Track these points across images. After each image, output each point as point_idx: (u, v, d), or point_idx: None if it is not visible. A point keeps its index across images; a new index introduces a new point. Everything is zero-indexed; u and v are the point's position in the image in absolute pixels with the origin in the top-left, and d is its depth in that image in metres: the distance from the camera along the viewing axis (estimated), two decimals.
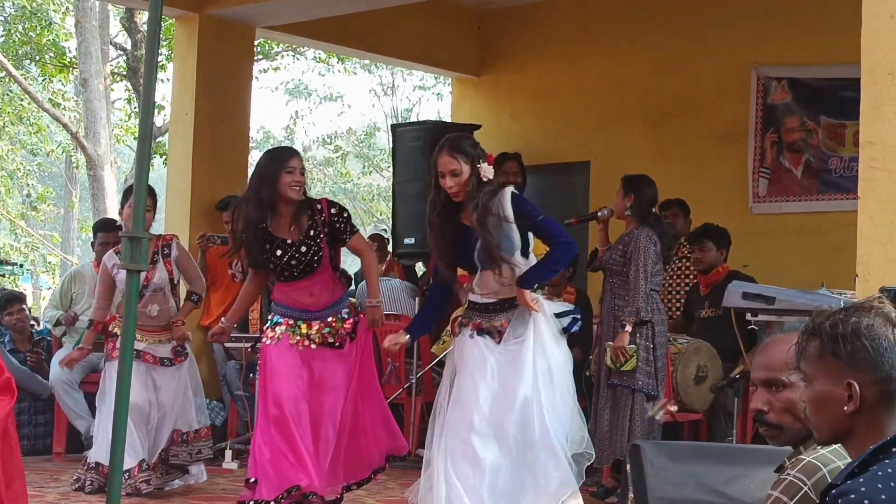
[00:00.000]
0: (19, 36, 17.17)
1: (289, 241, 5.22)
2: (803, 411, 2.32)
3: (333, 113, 27.07)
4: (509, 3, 9.85)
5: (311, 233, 5.23)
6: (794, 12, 8.34)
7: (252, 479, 5.11)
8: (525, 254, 4.83)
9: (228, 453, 7.29)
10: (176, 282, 6.46)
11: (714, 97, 8.71)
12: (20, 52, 17.32)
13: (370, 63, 19.02)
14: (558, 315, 4.84)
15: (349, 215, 5.39)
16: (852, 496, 1.91)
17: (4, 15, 18.04)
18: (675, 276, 7.42)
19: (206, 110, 8.47)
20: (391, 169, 10.41)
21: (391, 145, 9.88)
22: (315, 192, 21.84)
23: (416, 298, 7.82)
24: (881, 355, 2.10)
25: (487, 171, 4.82)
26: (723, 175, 8.62)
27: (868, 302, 2.17)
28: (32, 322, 8.27)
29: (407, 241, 8.63)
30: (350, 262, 9.13)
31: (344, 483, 5.34)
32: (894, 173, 4.29)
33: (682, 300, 7.34)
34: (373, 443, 5.32)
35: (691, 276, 7.36)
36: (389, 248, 9.32)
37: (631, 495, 3.49)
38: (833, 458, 2.46)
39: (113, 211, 13.99)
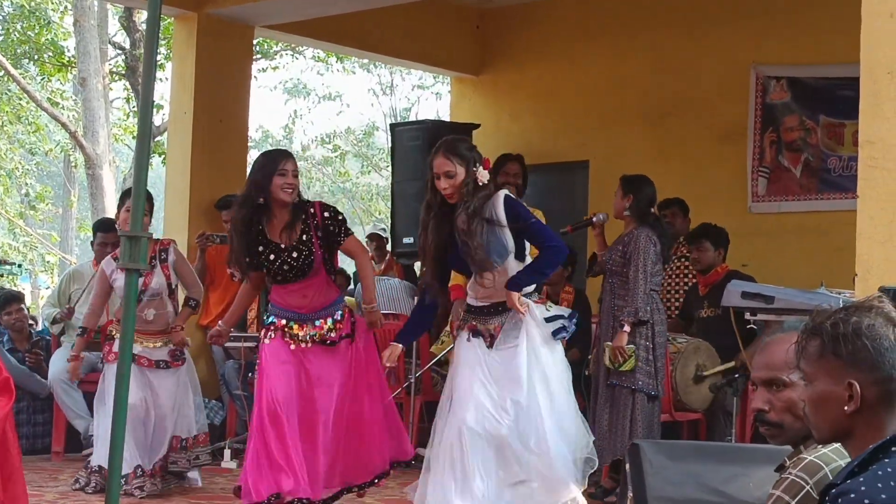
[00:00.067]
0: (18, 35, 17.17)
1: (282, 246, 5.23)
2: (803, 410, 2.32)
3: (332, 112, 27.12)
4: (508, 3, 9.85)
5: (304, 237, 5.23)
6: (794, 11, 8.33)
7: (237, 486, 5.14)
8: (520, 257, 4.83)
9: (227, 452, 7.29)
10: (174, 286, 6.46)
11: (713, 96, 8.71)
12: (19, 51, 17.32)
13: (369, 62, 19.01)
14: (547, 320, 4.83)
15: (343, 218, 5.39)
16: (852, 495, 1.90)
17: (3, 14, 18.04)
18: (673, 276, 7.42)
19: (205, 109, 8.47)
20: (390, 168, 10.40)
21: (390, 144, 9.88)
22: (314, 191, 21.85)
23: (415, 298, 7.82)
24: (882, 355, 2.10)
25: (483, 175, 4.82)
26: (722, 174, 8.62)
27: (868, 301, 2.17)
28: (31, 322, 8.26)
29: (406, 240, 8.63)
30: (350, 262, 9.11)
31: (342, 485, 5.32)
32: (894, 172, 4.29)
33: (681, 300, 7.33)
34: (375, 446, 5.30)
35: (690, 276, 7.36)
36: (388, 247, 9.32)
37: (630, 494, 3.49)
38: (835, 457, 2.46)
39: (112, 210, 13.99)
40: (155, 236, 6.39)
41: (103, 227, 7.74)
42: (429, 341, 7.50)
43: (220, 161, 8.47)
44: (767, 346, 2.69)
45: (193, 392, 6.49)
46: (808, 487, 2.45)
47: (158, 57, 13.69)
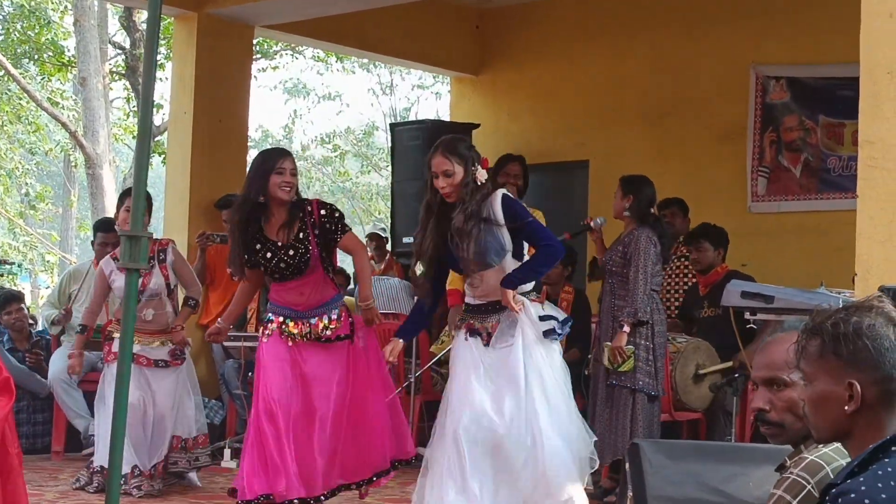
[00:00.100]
0: (18, 35, 17.17)
1: (278, 244, 5.25)
2: (803, 410, 2.33)
3: (332, 112, 27.14)
4: (508, 2, 9.85)
5: (301, 235, 5.25)
6: (793, 11, 8.34)
7: (232, 488, 5.18)
8: (518, 256, 4.84)
9: (227, 452, 7.29)
10: (172, 287, 6.46)
11: (713, 96, 8.71)
12: (19, 50, 17.33)
13: (369, 62, 19.01)
14: (541, 318, 4.84)
15: (341, 215, 5.40)
16: (852, 495, 1.91)
17: (3, 14, 18.04)
18: (673, 276, 7.41)
19: (205, 109, 8.47)
20: (390, 168, 10.41)
21: (390, 144, 9.88)
22: (314, 191, 21.84)
23: (415, 297, 7.81)
24: (882, 355, 2.10)
25: (481, 174, 4.83)
26: (721, 174, 8.63)
27: (868, 301, 2.17)
28: (31, 321, 8.26)
29: (406, 239, 8.64)
30: (350, 262, 9.11)
31: (341, 481, 5.33)
32: (893, 172, 4.29)
33: (681, 299, 7.33)
34: (377, 443, 5.31)
35: (690, 276, 7.36)
36: (388, 247, 9.32)
37: (630, 494, 3.49)
38: (836, 456, 2.47)
39: (112, 210, 13.98)
40: (154, 236, 6.39)
41: (104, 226, 7.74)
42: (428, 341, 7.50)
43: (220, 161, 8.47)
44: (768, 345, 2.69)
45: (193, 392, 6.49)
46: (809, 487, 2.46)
47: (158, 57, 13.68)
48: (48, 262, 20.37)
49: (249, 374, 7.09)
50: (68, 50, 17.47)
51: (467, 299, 4.96)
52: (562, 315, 4.95)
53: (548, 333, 4.80)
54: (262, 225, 5.29)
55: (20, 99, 18.14)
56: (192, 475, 6.47)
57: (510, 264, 4.79)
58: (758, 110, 8.56)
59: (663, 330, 6.08)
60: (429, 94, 21.75)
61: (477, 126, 8.88)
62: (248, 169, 6.20)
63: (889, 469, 1.94)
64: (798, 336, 2.23)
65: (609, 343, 5.95)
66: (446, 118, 11.72)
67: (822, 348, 2.15)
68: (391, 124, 11.45)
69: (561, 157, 9.46)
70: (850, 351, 2.11)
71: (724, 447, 4.20)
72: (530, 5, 9.78)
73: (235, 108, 8.78)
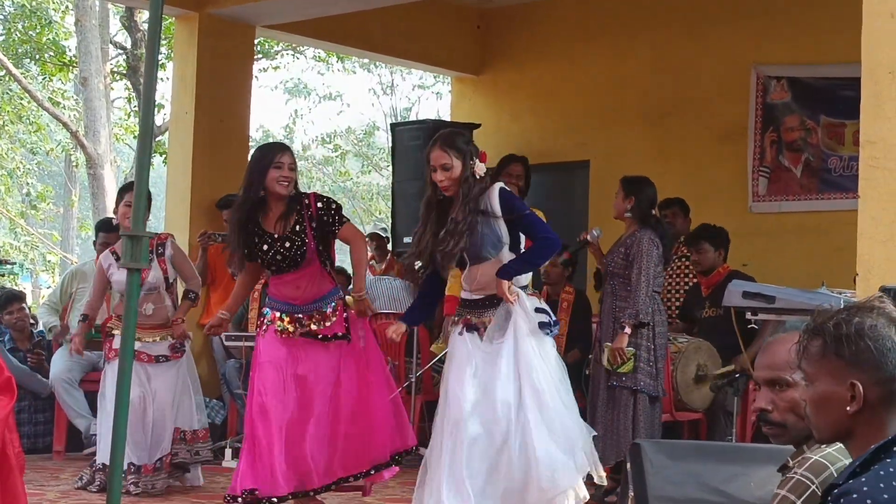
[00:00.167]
0: (19, 34, 17.17)
1: (275, 236, 5.28)
2: (804, 410, 2.33)
3: (333, 112, 27.10)
4: (509, 2, 9.85)
5: (297, 228, 5.28)
6: (794, 11, 8.34)
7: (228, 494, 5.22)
8: (515, 249, 4.85)
9: (228, 452, 7.30)
10: (171, 281, 6.47)
11: (713, 96, 8.71)
12: (20, 50, 17.33)
13: (369, 62, 19.02)
14: (537, 310, 4.84)
15: (338, 206, 5.42)
16: (854, 496, 1.91)
17: (4, 13, 18.05)
18: (674, 276, 7.41)
19: (206, 109, 8.47)
20: (390, 168, 10.41)
21: (391, 144, 9.88)
22: (314, 190, 21.83)
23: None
24: (884, 356, 2.10)
25: (480, 168, 4.85)
26: (722, 174, 8.62)
27: (869, 302, 2.17)
28: (32, 321, 8.27)
29: (406, 239, 8.63)
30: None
31: (341, 474, 5.33)
32: (895, 172, 4.29)
33: (681, 299, 7.33)
34: (377, 436, 5.32)
35: (690, 276, 7.36)
36: (389, 246, 9.32)
37: (631, 494, 3.49)
38: (840, 456, 2.47)
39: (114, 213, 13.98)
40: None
41: (105, 226, 7.75)
42: (429, 340, 7.50)
43: (221, 160, 8.47)
44: (770, 345, 2.69)
45: (194, 390, 6.49)
46: (813, 487, 2.46)
47: (159, 57, 13.68)
48: (49, 261, 20.36)
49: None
50: (69, 50, 17.47)
51: (463, 294, 4.96)
52: (552, 319, 4.96)
53: (543, 325, 4.80)
54: (260, 219, 5.31)
55: (21, 99, 18.14)
56: (196, 471, 6.46)
57: (507, 257, 4.81)
58: (759, 110, 8.56)
59: (664, 331, 6.08)
60: (430, 94, 21.80)
61: (478, 126, 8.87)
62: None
63: (891, 469, 1.94)
64: (799, 336, 2.23)
65: (609, 344, 5.95)
66: (447, 118, 11.72)
67: (824, 349, 2.15)
68: (392, 124, 11.45)
69: (562, 158, 9.46)
70: (852, 352, 2.11)
71: (725, 447, 4.20)
72: (531, 5, 9.78)
73: (236, 107, 8.78)
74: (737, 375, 5.51)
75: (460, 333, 4.88)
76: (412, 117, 20.82)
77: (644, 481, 3.42)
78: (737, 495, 3.29)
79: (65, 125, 16.66)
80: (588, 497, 4.79)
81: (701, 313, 7.03)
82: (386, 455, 5.32)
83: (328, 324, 5.32)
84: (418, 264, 5.08)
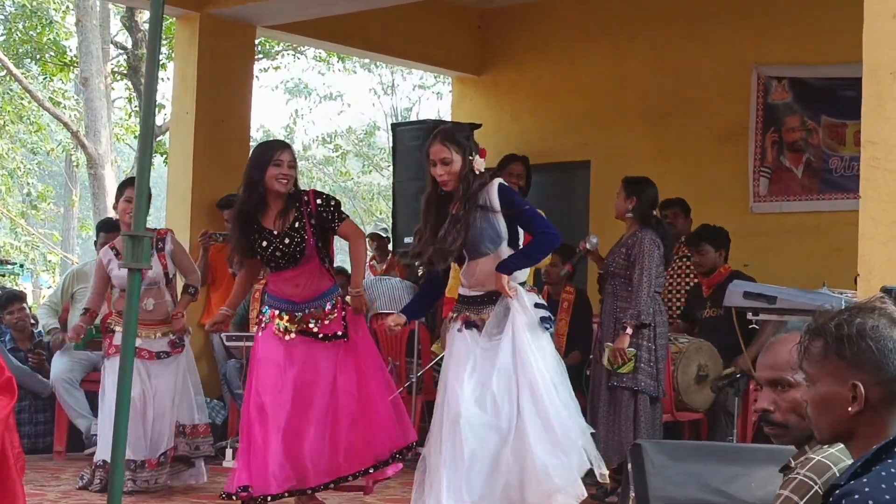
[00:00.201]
0: (20, 34, 17.18)
1: (274, 232, 5.30)
2: (806, 410, 2.33)
3: (333, 112, 27.06)
4: (509, 3, 9.85)
5: (297, 224, 5.29)
6: (794, 11, 8.33)
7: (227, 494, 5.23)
8: (513, 244, 4.85)
9: (229, 452, 7.29)
10: (171, 276, 6.48)
11: (714, 96, 8.71)
12: (21, 50, 17.33)
13: (370, 62, 19.02)
14: (536, 306, 4.84)
15: (337, 203, 5.44)
16: (856, 496, 1.91)
17: (5, 14, 18.05)
18: (675, 276, 7.41)
19: (207, 109, 8.47)
20: (391, 168, 10.40)
21: (391, 144, 9.88)
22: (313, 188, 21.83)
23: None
24: (886, 356, 2.10)
25: (479, 163, 4.85)
26: (722, 174, 8.62)
27: (871, 302, 2.17)
28: (33, 321, 8.27)
29: (407, 239, 8.62)
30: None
31: (346, 471, 5.33)
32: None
33: (683, 299, 7.33)
34: (378, 433, 5.32)
35: (691, 276, 7.35)
36: (390, 247, 9.31)
37: (632, 494, 3.49)
38: (843, 457, 2.47)
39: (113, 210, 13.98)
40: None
41: (106, 226, 7.76)
42: (430, 340, 7.50)
43: (222, 161, 8.47)
44: (772, 346, 2.69)
45: (193, 385, 6.49)
46: (816, 487, 2.46)
47: (160, 57, 13.68)
48: (50, 261, 20.36)
49: None
50: (70, 50, 17.47)
51: (461, 291, 4.96)
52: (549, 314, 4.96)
53: (544, 319, 4.80)
54: (259, 216, 5.32)
55: (22, 99, 18.14)
56: (200, 466, 6.45)
57: (505, 253, 4.81)
58: (760, 110, 8.56)
59: (665, 331, 6.08)
60: (430, 94, 21.79)
61: (478, 126, 8.87)
62: None
63: (892, 470, 1.94)
64: (801, 337, 2.23)
65: (610, 344, 5.95)
66: (448, 118, 11.72)
67: (826, 350, 2.15)
68: (393, 124, 11.45)
69: (562, 158, 9.46)
70: (853, 352, 2.11)
71: (725, 448, 4.20)
72: (532, 5, 9.78)
73: (237, 108, 8.78)
74: (737, 376, 5.51)
75: (459, 330, 4.87)
76: (413, 117, 20.83)
77: (645, 482, 3.42)
78: (738, 496, 3.29)
79: (65, 125, 16.67)
80: (586, 495, 4.76)
81: (702, 313, 7.03)
82: (387, 452, 5.32)
83: (327, 322, 5.32)
84: (418, 265, 5.10)
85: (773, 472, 2.70)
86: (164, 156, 13.77)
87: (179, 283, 6.68)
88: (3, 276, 13.12)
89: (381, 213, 21.83)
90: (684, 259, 7.37)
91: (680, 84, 8.90)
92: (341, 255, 8.94)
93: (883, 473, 1.94)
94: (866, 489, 1.91)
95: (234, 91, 8.71)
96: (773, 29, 8.46)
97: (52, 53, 17.20)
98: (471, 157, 4.84)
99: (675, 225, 7.34)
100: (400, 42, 9.74)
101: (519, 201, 4.90)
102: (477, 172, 4.84)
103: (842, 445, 2.40)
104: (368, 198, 22.93)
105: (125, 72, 16.69)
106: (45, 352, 7.94)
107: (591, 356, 6.50)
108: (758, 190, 8.54)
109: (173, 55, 10.58)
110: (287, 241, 5.27)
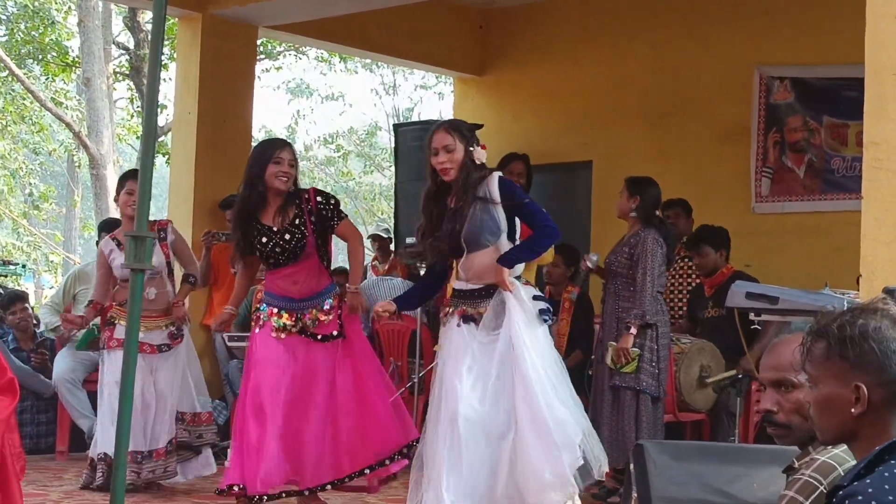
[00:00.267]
0: (22, 35, 17.19)
1: (274, 229, 5.32)
2: (809, 411, 2.33)
3: (335, 112, 27.12)
4: (511, 3, 9.86)
5: (297, 221, 5.32)
6: (794, 11, 8.33)
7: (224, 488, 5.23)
8: (512, 238, 4.85)
9: (230, 452, 7.28)
10: (173, 266, 6.48)
11: (714, 96, 8.70)
12: (23, 51, 17.34)
13: (372, 62, 19.02)
14: (535, 298, 4.84)
15: (337, 202, 5.46)
16: (859, 497, 1.91)
17: (7, 14, 18.05)
18: (676, 276, 7.41)
19: (209, 109, 8.48)
20: (393, 168, 10.40)
21: (393, 144, 9.88)
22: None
23: None
24: (888, 358, 2.10)
25: (480, 154, 4.86)
26: (724, 175, 8.62)
27: (873, 303, 2.17)
28: (35, 321, 8.27)
29: (409, 239, 8.62)
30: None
31: (349, 470, 5.33)
32: None
33: (685, 299, 7.33)
34: (379, 430, 5.32)
35: (693, 276, 7.35)
36: (392, 247, 9.31)
37: (634, 494, 3.49)
38: (847, 457, 2.47)
39: (115, 210, 13.98)
40: None
41: (108, 226, 7.75)
42: (431, 341, 7.50)
43: (224, 161, 8.47)
44: (776, 346, 2.69)
45: (193, 373, 6.48)
46: (821, 488, 2.46)
47: (162, 57, 13.70)
48: (52, 262, 20.37)
49: None
50: (72, 50, 17.48)
51: (457, 285, 4.93)
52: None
53: (543, 312, 4.80)
54: (259, 213, 5.34)
55: (24, 99, 18.15)
56: (208, 453, 6.43)
57: (505, 246, 4.80)
58: (762, 111, 8.56)
59: (667, 332, 6.08)
60: (432, 95, 21.79)
61: (480, 126, 8.86)
62: None
63: (895, 471, 1.94)
64: (803, 338, 2.23)
65: (614, 343, 5.95)
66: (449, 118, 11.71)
67: (828, 351, 2.15)
68: (394, 124, 11.45)
69: (564, 158, 9.46)
70: (856, 354, 2.11)
71: (728, 448, 4.20)
72: (533, 6, 9.79)
73: (239, 108, 8.78)
74: (739, 377, 5.52)
75: (458, 325, 4.86)
76: (414, 118, 20.84)
77: (647, 482, 3.42)
78: (740, 496, 3.30)
79: (67, 126, 16.68)
80: (578, 491, 4.73)
81: (704, 314, 7.03)
82: (388, 449, 5.33)
83: (324, 320, 5.33)
84: (420, 264, 5.11)
85: (775, 473, 2.70)
86: (167, 156, 13.77)
87: (178, 277, 6.68)
88: (6, 276, 13.12)
89: (382, 214, 21.85)
90: (686, 259, 7.36)
91: (680, 84, 8.90)
92: (341, 256, 8.95)
93: (886, 474, 1.94)
94: (869, 490, 1.92)
95: (236, 91, 8.71)
96: (773, 29, 8.46)
97: (55, 54, 17.21)
98: (472, 148, 4.85)
99: (676, 225, 7.34)
100: (402, 42, 9.74)
101: (520, 194, 4.92)
102: (477, 163, 4.85)
103: (845, 446, 2.41)
104: (370, 198, 22.94)
105: (127, 72, 16.70)
106: (47, 352, 7.94)
107: (592, 356, 6.50)
108: (760, 190, 8.54)
109: (175, 56, 10.60)
110: (287, 237, 5.30)
